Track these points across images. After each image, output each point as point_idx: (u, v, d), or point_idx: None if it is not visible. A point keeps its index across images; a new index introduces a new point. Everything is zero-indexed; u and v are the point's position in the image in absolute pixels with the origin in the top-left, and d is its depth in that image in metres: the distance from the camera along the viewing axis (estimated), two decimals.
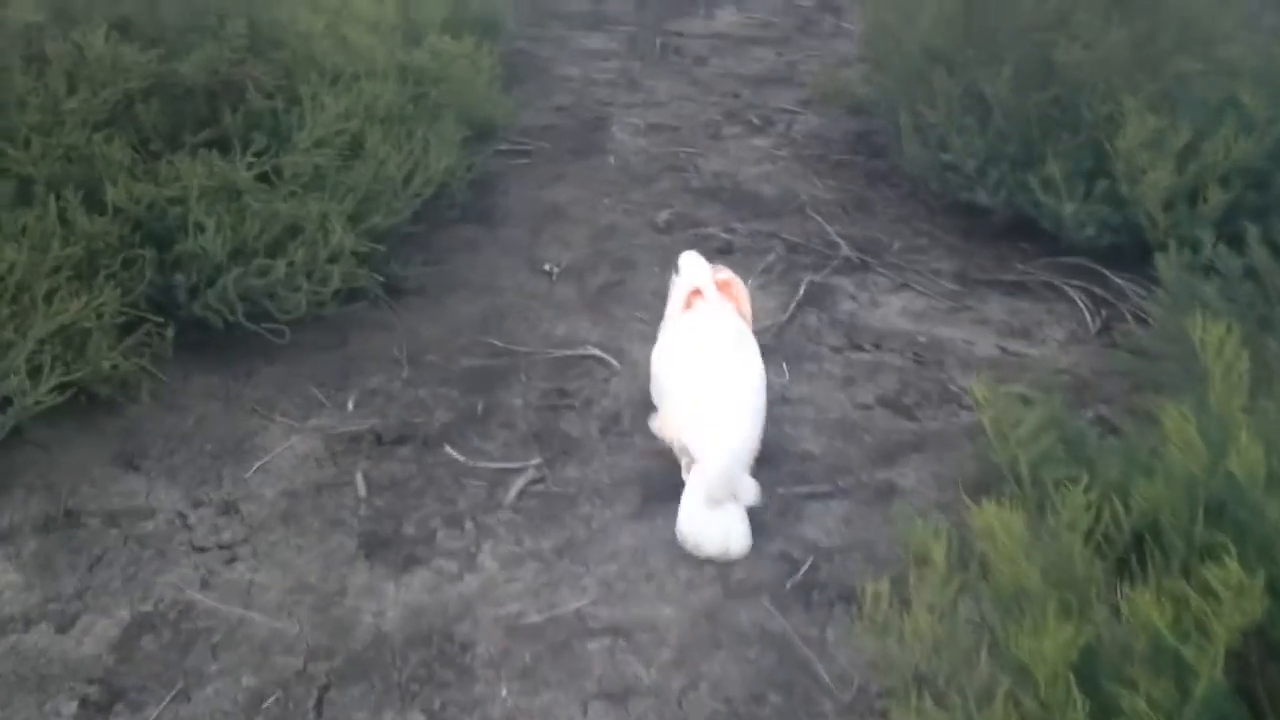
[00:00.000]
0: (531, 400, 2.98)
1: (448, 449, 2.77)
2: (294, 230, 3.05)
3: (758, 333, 2.89)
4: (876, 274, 3.73)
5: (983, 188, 3.82)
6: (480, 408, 2.93)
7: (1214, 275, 2.81)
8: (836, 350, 3.30)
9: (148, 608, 2.29)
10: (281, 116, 3.33)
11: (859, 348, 3.32)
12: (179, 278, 2.90)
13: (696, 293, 2.75)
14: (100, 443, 2.73)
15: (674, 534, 2.45)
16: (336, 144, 3.27)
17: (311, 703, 2.10)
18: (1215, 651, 1.42)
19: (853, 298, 3.59)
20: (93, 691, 2.11)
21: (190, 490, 2.61)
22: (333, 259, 3.06)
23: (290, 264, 2.94)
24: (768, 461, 2.70)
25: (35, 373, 2.51)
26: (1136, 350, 3.03)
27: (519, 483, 2.67)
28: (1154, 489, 1.67)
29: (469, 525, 2.54)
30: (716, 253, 3.68)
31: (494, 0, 5.05)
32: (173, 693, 2.10)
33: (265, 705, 2.09)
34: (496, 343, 3.22)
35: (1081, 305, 3.52)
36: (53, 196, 2.82)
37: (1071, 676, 1.46)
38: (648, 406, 2.83)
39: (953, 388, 3.11)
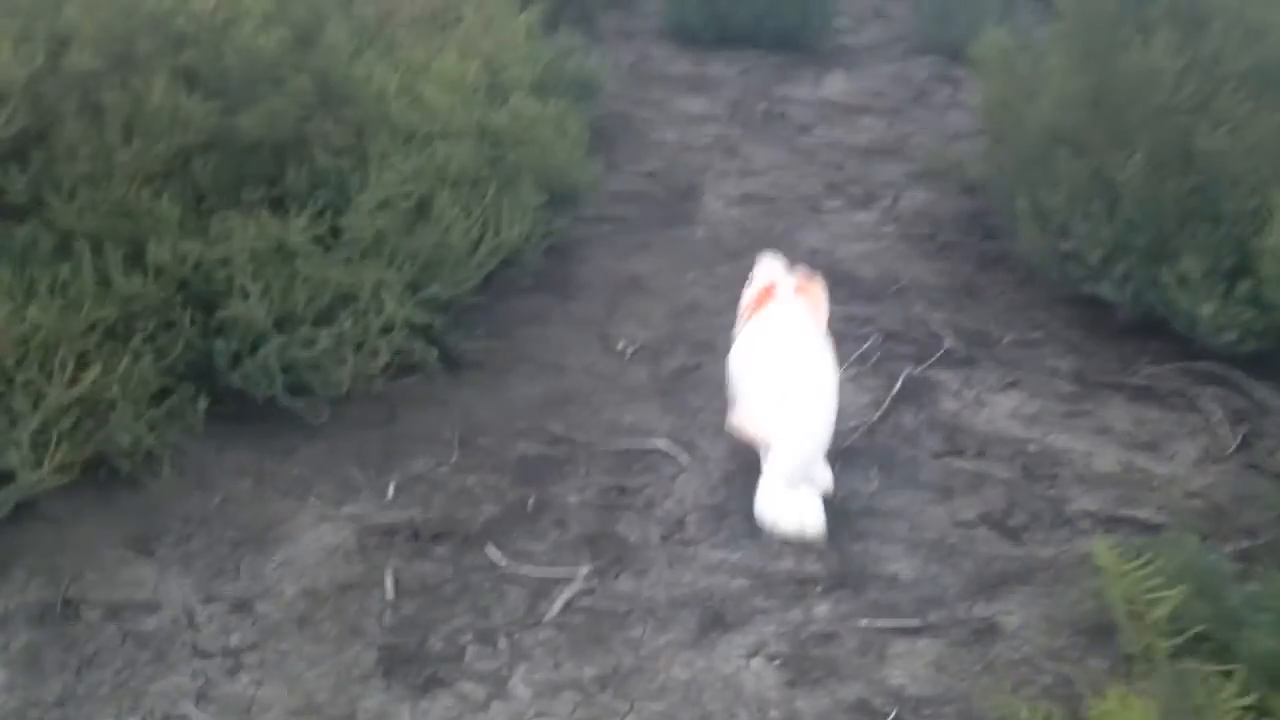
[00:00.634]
0: (588, 497, 2.69)
1: (490, 549, 2.49)
2: (346, 298, 2.83)
3: (846, 431, 2.83)
4: (984, 369, 3.37)
5: (1108, 280, 3.44)
6: (531, 502, 2.65)
7: None
8: (935, 456, 2.95)
9: None
10: (348, 176, 3.14)
11: (960, 454, 2.96)
12: (220, 344, 2.69)
13: (769, 292, 2.87)
14: (115, 521, 2.52)
15: (733, 667, 2.17)
16: (402, 207, 3.07)
17: None
18: None
19: (956, 395, 3.23)
20: None
21: (204, 582, 2.37)
22: (386, 329, 2.83)
23: (339, 335, 2.71)
24: (849, 584, 2.37)
25: (45, 445, 2.31)
26: None
27: (564, 595, 2.38)
28: None
29: (503, 642, 2.25)
30: None
31: (591, 63, 4.85)
32: None
33: None
34: (556, 429, 2.94)
35: (1217, 418, 3.11)
36: (91, 252, 2.65)
37: None
38: (716, 512, 2.55)
39: (1068, 509, 2.74)
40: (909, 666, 2.23)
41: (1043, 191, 3.61)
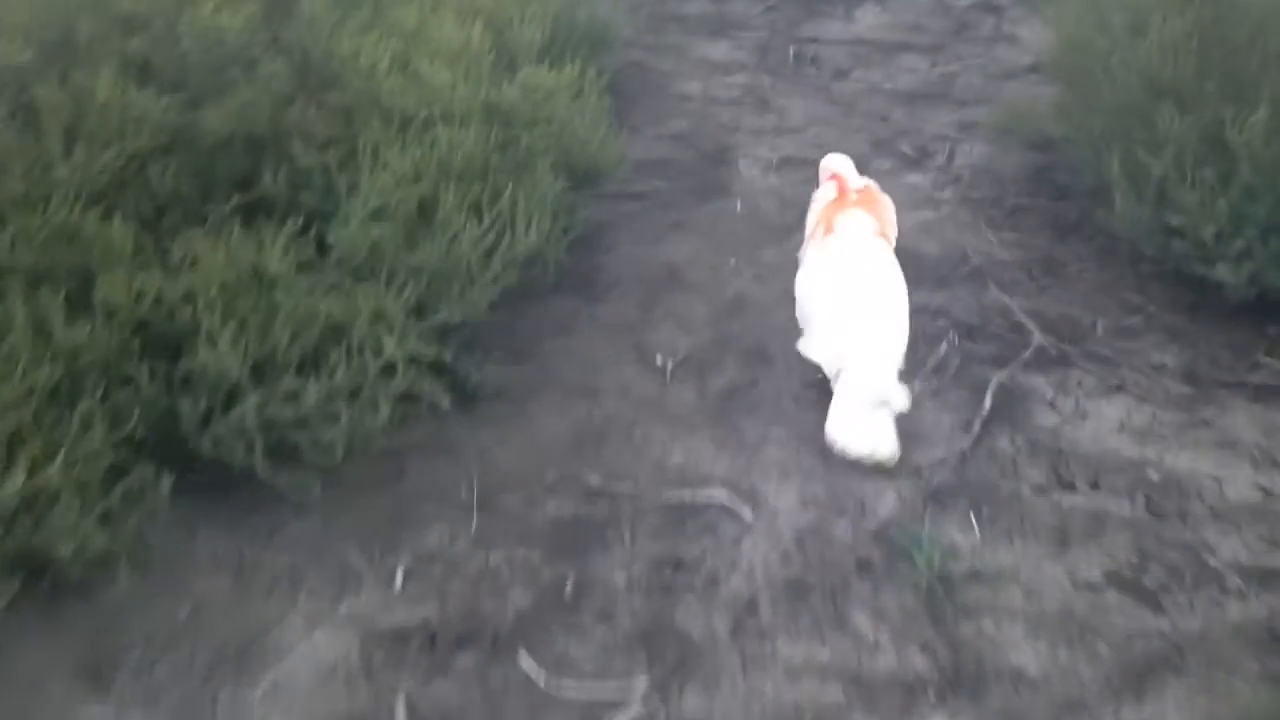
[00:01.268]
0: (637, 574, 2.24)
1: (523, 657, 2.04)
2: (337, 333, 2.36)
3: (935, 464, 2.56)
4: (1080, 369, 2.91)
5: (1223, 261, 2.96)
6: (569, 585, 2.21)
7: None
8: (1040, 491, 2.50)
9: None
10: (335, 176, 2.66)
11: (1070, 487, 2.51)
12: (185, 402, 2.23)
13: (839, 200, 2.82)
14: (63, 644, 2.06)
15: None
16: (400, 214, 2.58)
17: None
18: None
19: (1052, 405, 2.78)
20: None
21: None
22: (387, 370, 2.36)
23: (329, 386, 2.25)
24: (965, 686, 1.94)
25: None
26: None
27: None
28: None
29: None
30: None
31: (604, 11, 4.31)
32: None
33: None
34: (593, 479, 2.49)
35: None
36: (26, 294, 2.18)
37: None
38: (792, 589, 2.12)
39: (1210, 560, 2.29)
40: None
41: (1139, 153, 3.11)
